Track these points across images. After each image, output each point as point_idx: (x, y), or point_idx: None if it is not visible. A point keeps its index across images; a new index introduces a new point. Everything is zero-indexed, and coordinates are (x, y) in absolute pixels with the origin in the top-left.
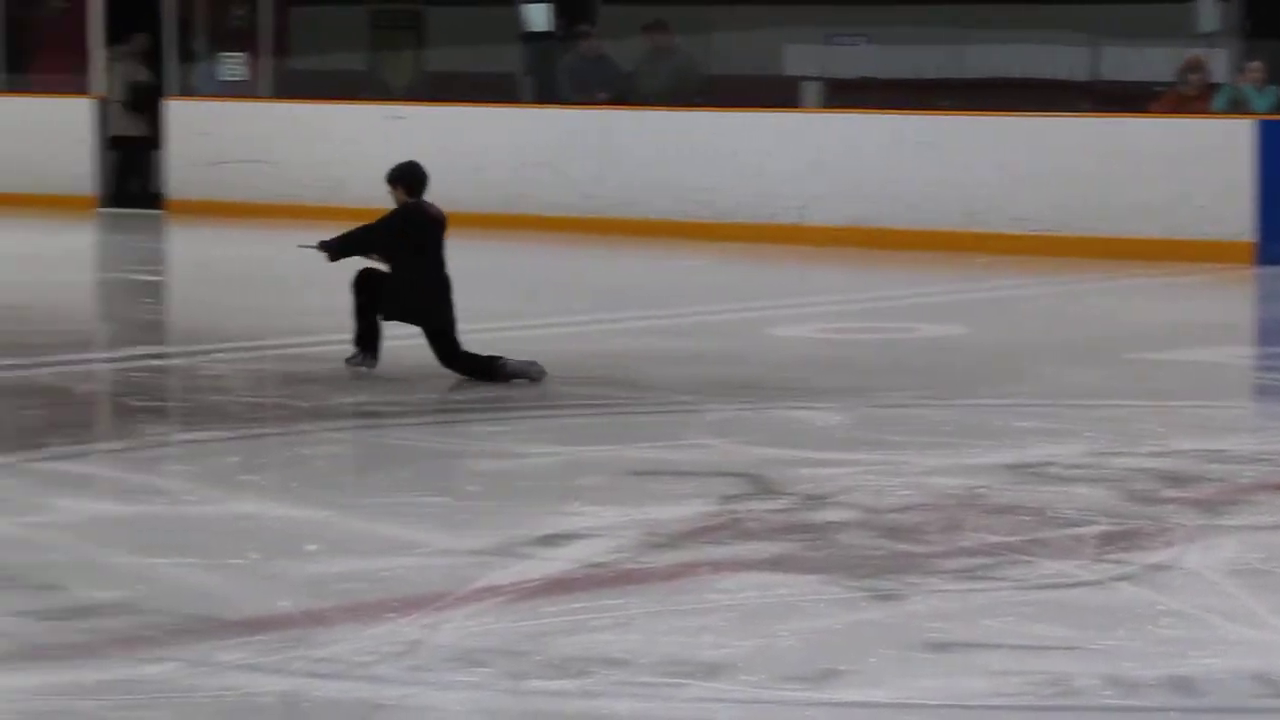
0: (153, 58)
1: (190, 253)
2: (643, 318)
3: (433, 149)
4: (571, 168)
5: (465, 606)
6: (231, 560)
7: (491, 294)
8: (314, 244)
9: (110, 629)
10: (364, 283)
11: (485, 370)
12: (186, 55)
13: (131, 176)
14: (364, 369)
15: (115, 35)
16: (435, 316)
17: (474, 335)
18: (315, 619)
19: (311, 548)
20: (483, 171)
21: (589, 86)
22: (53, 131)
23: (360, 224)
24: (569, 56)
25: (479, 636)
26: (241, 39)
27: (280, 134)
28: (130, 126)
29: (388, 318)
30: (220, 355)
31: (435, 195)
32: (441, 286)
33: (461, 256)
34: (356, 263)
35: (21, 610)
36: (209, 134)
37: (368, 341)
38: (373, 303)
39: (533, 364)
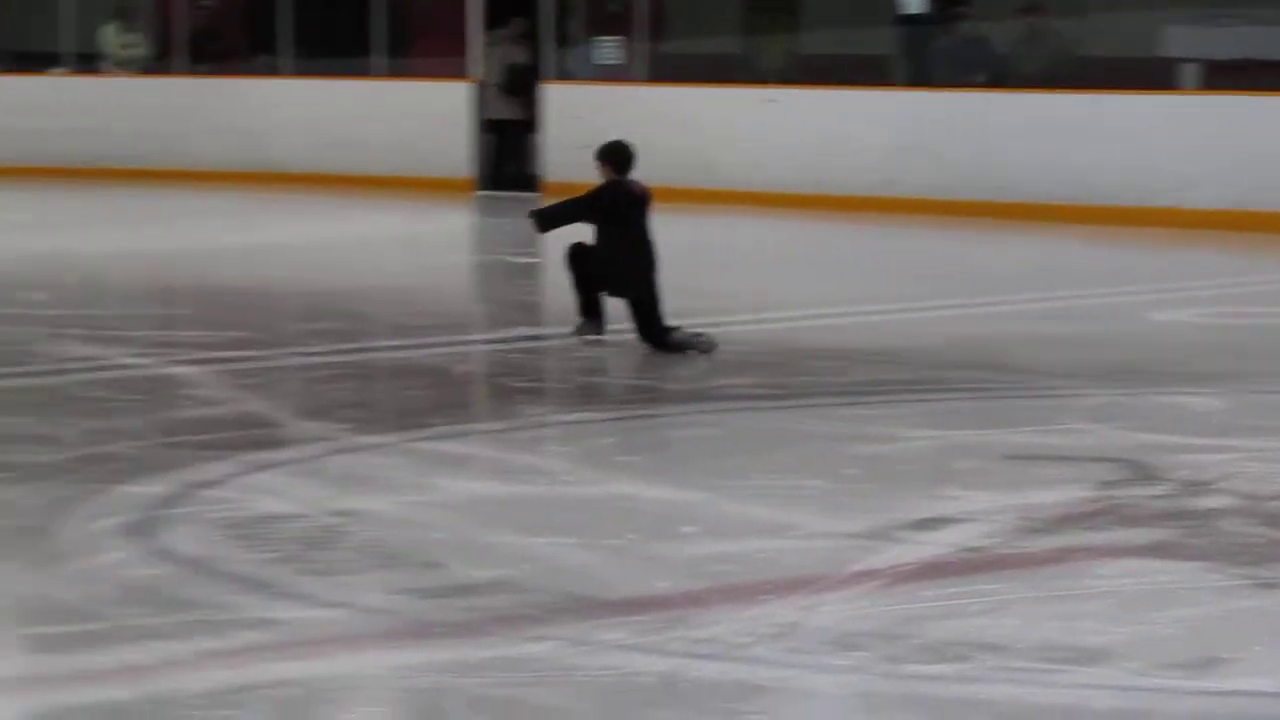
0: (530, 41)
1: (565, 235)
2: (1019, 301)
3: (806, 132)
4: (947, 151)
5: (842, 590)
6: (610, 541)
7: (868, 278)
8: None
9: (492, 607)
10: (576, 256)
11: (661, 340)
12: (563, 39)
13: (508, 159)
14: (591, 338)
15: (494, 19)
16: (636, 288)
17: (852, 319)
18: (693, 600)
19: (688, 529)
20: (857, 155)
21: (965, 69)
22: (432, 115)
23: (570, 197)
24: (945, 38)
25: (856, 620)
26: (617, 23)
27: (654, 117)
28: (507, 110)
29: (598, 286)
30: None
31: (809, 178)
32: (644, 260)
33: (836, 240)
34: (567, 237)
35: (405, 588)
36: (584, 117)
37: (591, 311)
38: (588, 274)
39: (700, 335)
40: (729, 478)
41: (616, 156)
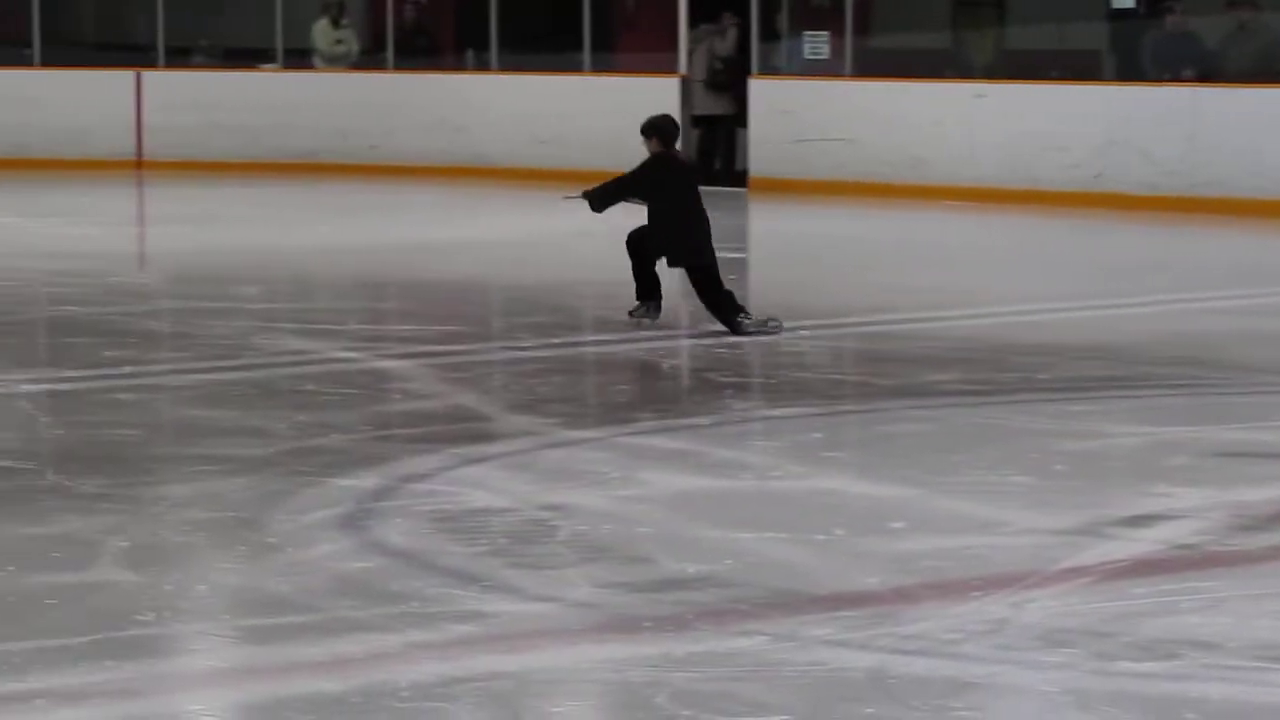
0: (738, 36)
1: (773, 229)
2: (1229, 297)
3: (1015, 128)
4: (1157, 146)
5: (1051, 586)
6: (817, 536)
7: (1076, 274)
8: (578, 194)
9: (699, 602)
10: (635, 241)
11: (730, 320)
12: (770, 34)
13: (715, 154)
14: (647, 320)
15: (701, 14)
16: (693, 255)
17: (1059, 315)
18: (901, 596)
19: (896, 524)
20: (1066, 150)
21: (1174, 64)
22: (639, 110)
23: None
24: (1154, 33)
25: (1065, 616)
26: (825, 17)
27: (862, 112)
28: (715, 105)
29: (656, 257)
30: (802, 331)
31: (1017, 174)
32: (697, 228)
33: (1044, 236)
34: (626, 224)
35: (613, 582)
36: (792, 112)
37: (648, 294)
38: (646, 257)
39: (769, 320)
40: (937, 473)
41: (663, 131)
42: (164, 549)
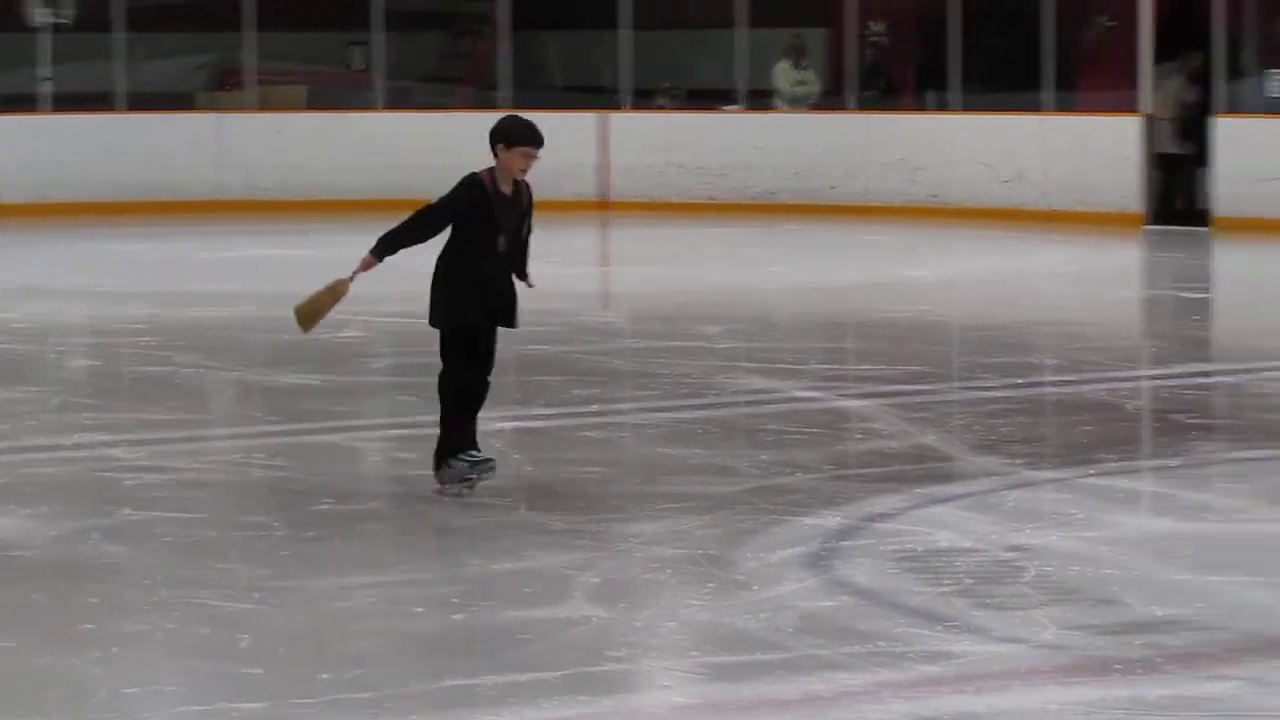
0: (1201, 75)
1: (1237, 270)
2: None
3: None
4: None
5: None
6: None
7: None
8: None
9: (1169, 645)
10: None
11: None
12: (1235, 72)
13: (1177, 194)
14: None
15: (1163, 53)
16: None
17: None
18: None
19: None
20: None
21: None
22: (1099, 149)
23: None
24: None
25: None
26: None
27: None
28: (1176, 144)
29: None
30: (1269, 374)
31: None
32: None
33: None
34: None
35: (1081, 624)
36: (1257, 150)
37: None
38: None
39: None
40: None
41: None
42: (634, 585)
